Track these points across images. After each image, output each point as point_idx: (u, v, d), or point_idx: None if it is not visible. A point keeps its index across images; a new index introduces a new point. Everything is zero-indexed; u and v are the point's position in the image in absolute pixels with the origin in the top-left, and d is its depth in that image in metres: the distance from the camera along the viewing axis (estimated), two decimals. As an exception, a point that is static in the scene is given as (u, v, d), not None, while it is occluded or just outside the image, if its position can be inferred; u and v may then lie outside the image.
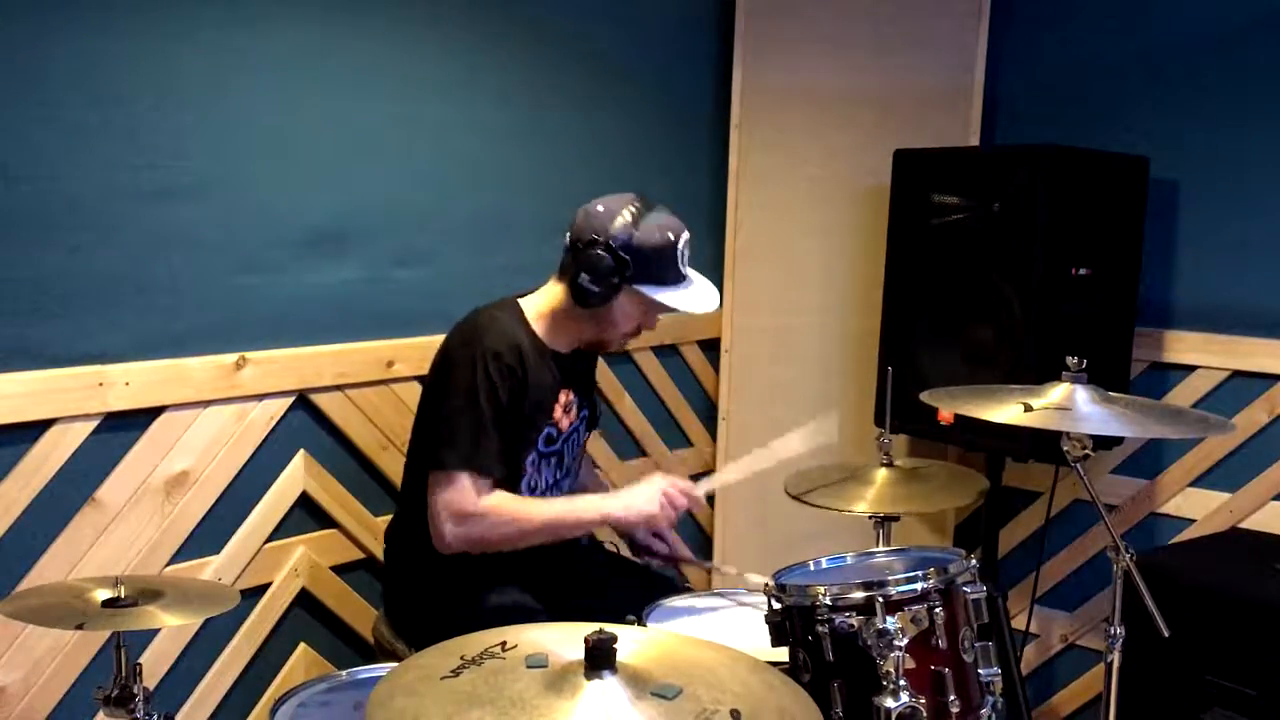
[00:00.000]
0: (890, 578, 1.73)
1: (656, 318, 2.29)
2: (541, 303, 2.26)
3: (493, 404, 2.10)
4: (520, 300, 2.27)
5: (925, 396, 2.11)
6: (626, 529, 2.38)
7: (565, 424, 2.28)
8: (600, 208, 2.18)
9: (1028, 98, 3.21)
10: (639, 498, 2.20)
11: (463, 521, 2.08)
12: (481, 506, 2.09)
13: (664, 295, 2.18)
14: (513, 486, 2.19)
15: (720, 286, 3.30)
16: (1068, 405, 1.95)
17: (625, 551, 2.51)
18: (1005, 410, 1.94)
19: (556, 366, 2.24)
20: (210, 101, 2.19)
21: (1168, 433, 2.08)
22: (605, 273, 2.13)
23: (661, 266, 2.17)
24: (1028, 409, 1.93)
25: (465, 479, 2.08)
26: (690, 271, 2.25)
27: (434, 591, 2.20)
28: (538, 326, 2.23)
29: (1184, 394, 2.94)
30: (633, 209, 2.16)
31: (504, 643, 1.44)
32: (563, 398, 2.26)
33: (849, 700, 1.71)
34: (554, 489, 2.32)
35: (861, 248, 3.20)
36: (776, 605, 1.81)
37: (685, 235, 2.20)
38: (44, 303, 2.02)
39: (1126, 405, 2.01)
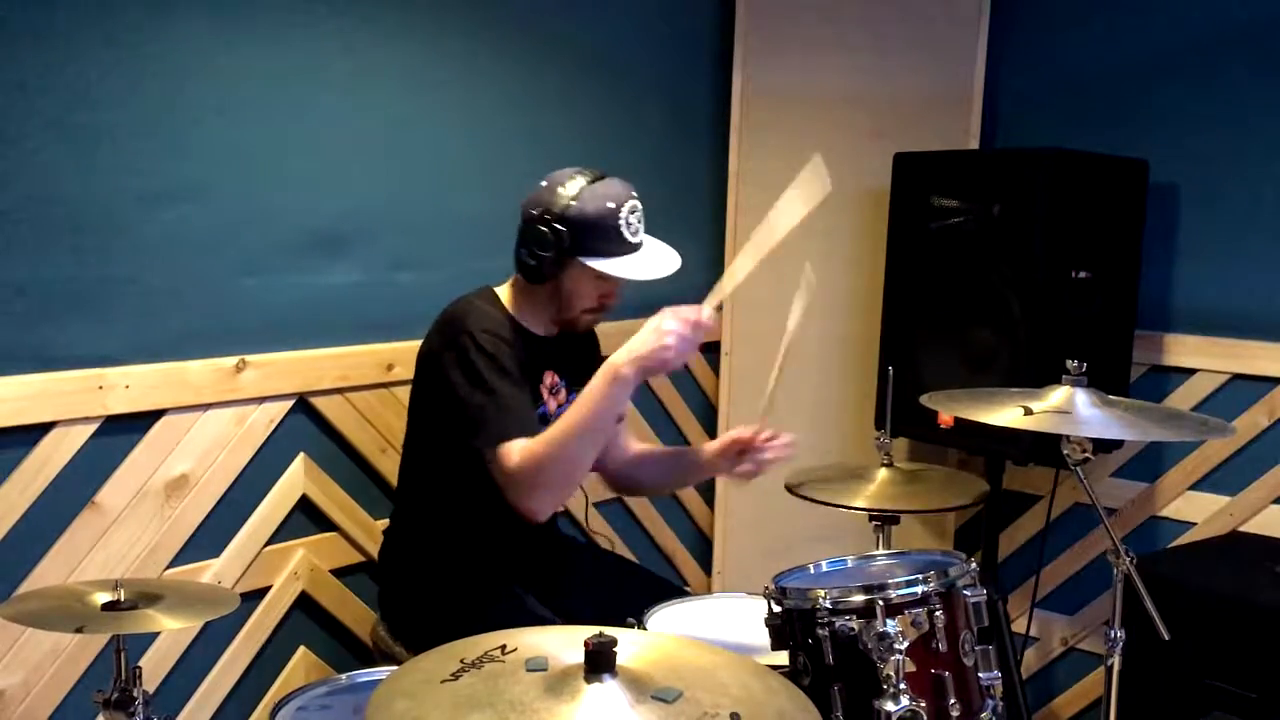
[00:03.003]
0: (890, 581, 1.72)
1: (616, 291, 2.21)
2: (511, 286, 2.24)
3: (501, 374, 2.05)
4: (495, 287, 2.25)
5: (925, 400, 2.11)
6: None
7: (553, 406, 2.23)
8: (545, 182, 2.14)
9: (1027, 101, 3.21)
10: (642, 344, 2.01)
11: (526, 482, 1.99)
12: (521, 458, 1.99)
13: (606, 265, 2.11)
14: None
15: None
16: (1068, 409, 1.95)
17: (624, 550, 2.51)
18: (1005, 414, 1.94)
19: (536, 347, 2.20)
20: (210, 104, 2.19)
21: (1167, 436, 2.07)
22: (545, 247, 2.10)
23: (602, 237, 2.10)
24: (1028, 412, 1.93)
25: (511, 447, 2.01)
26: (644, 239, 2.17)
27: (431, 595, 2.20)
28: (513, 309, 2.21)
29: (1184, 397, 2.94)
30: (577, 180, 2.12)
31: (503, 646, 1.44)
32: (547, 379, 2.23)
33: (849, 703, 1.71)
34: None
35: (862, 251, 3.20)
36: (776, 609, 1.80)
37: (630, 203, 2.13)
38: (44, 305, 2.01)
39: (1126, 409, 2.01)
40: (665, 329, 1.98)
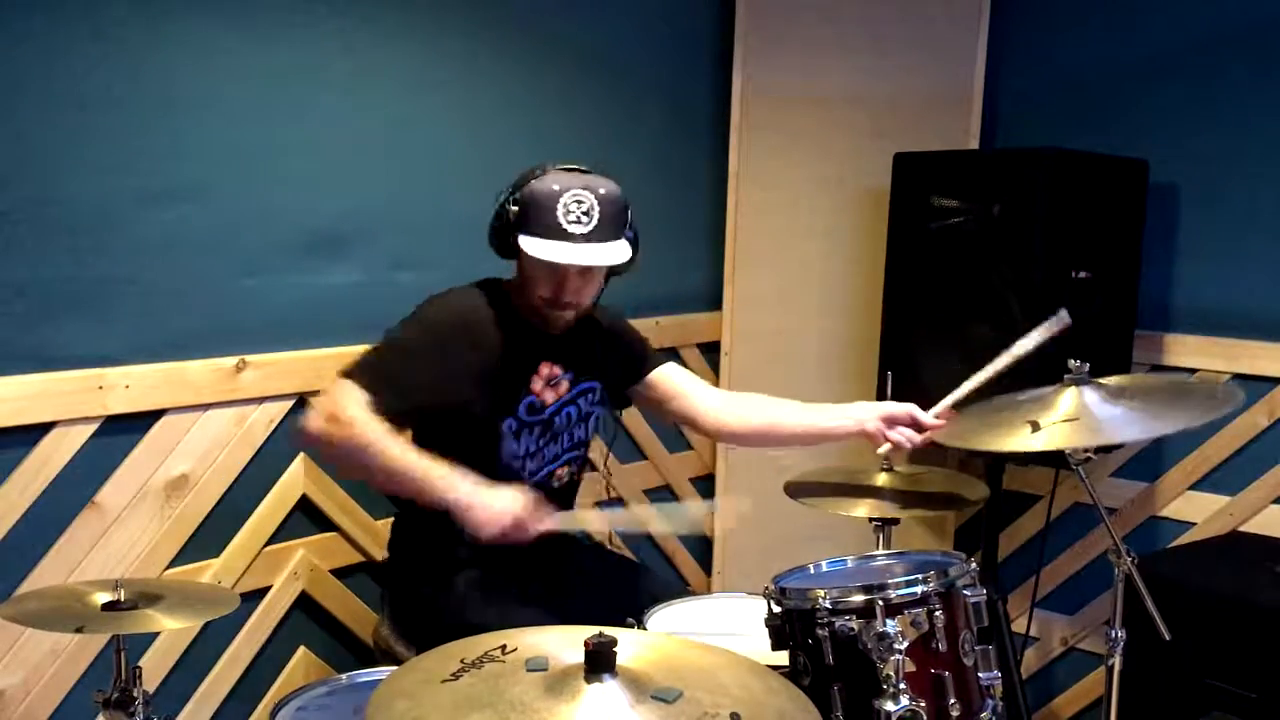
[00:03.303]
0: (890, 581, 1.72)
1: (565, 285, 2.14)
2: (515, 277, 2.24)
3: (410, 354, 2.06)
4: (504, 279, 2.25)
5: (934, 437, 2.14)
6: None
7: (550, 397, 2.21)
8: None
9: (1027, 101, 3.21)
10: (487, 505, 1.96)
11: (328, 421, 1.95)
12: (353, 413, 1.96)
13: (529, 242, 2.07)
14: (491, 449, 2.15)
15: (720, 289, 3.31)
16: (1077, 415, 1.94)
17: (627, 550, 2.50)
18: (1014, 439, 1.94)
19: (531, 337, 2.19)
20: (209, 104, 2.19)
21: (1178, 419, 2.01)
22: (499, 219, 2.15)
23: (538, 218, 2.07)
24: (1035, 428, 1.92)
25: (357, 389, 1.98)
26: (591, 234, 2.08)
27: (435, 595, 2.20)
28: (515, 299, 2.21)
29: (1184, 397, 2.94)
30: (558, 167, 2.13)
31: (503, 646, 1.44)
32: (543, 370, 2.20)
33: (849, 703, 1.70)
34: (533, 456, 2.26)
35: (861, 251, 3.20)
36: (776, 609, 1.80)
37: (577, 193, 2.07)
38: (44, 305, 2.01)
39: (1133, 395, 1.99)
40: (515, 522, 1.95)
